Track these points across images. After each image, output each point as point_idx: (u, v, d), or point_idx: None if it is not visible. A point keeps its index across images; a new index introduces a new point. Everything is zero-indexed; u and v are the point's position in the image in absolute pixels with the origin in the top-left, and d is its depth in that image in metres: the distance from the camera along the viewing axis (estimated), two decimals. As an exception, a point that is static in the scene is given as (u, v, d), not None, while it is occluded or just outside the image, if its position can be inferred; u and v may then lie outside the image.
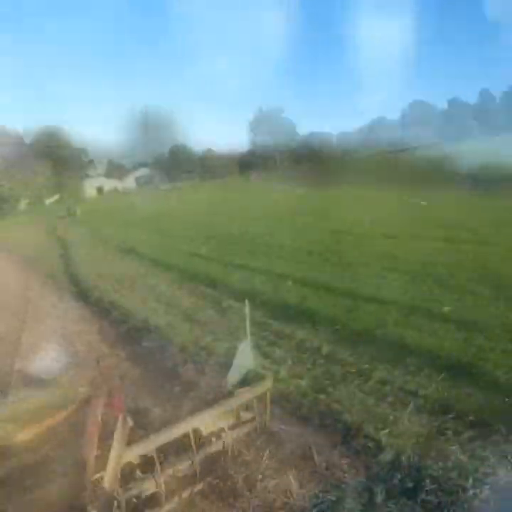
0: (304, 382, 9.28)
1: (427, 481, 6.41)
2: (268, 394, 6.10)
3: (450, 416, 7.57)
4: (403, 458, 6.77)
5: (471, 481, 6.30)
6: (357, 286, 15.65)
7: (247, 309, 7.24)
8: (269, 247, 23.43)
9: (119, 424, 5.27)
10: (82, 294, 18.02)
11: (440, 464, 6.75)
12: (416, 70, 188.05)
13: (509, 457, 6.47)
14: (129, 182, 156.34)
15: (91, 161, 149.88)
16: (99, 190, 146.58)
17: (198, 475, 5.57)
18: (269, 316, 12.73)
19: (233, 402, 5.89)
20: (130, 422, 5.52)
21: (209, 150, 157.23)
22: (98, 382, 5.29)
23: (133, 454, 5.13)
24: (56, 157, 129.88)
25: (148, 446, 5.19)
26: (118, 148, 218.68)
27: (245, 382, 6.12)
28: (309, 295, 14.24)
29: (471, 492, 6.10)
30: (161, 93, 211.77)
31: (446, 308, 12.85)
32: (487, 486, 6.10)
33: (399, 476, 6.48)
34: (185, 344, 11.63)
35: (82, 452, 4.27)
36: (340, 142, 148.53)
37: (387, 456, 6.91)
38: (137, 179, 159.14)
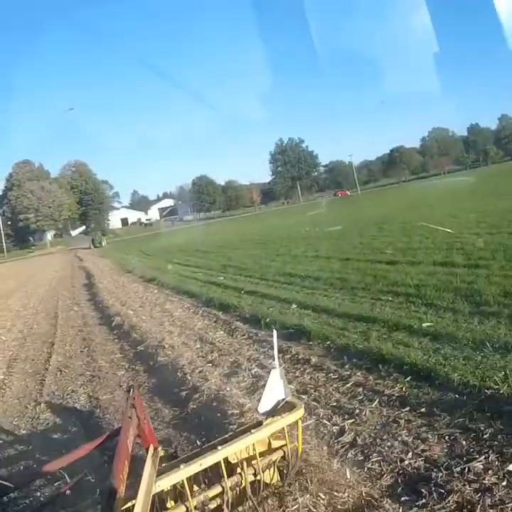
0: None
1: (375, 454, 6.54)
2: (299, 422, 5.63)
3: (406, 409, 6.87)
4: (359, 439, 6.76)
5: (410, 455, 6.39)
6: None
7: (274, 337, 6.44)
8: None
9: (150, 454, 4.98)
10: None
11: (389, 443, 6.71)
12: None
13: (446, 438, 6.65)
14: (153, 213, 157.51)
15: (116, 193, 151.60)
16: (124, 221, 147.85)
17: (229, 504, 5.18)
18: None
19: (265, 432, 5.39)
20: (161, 452, 5.32)
21: (231, 181, 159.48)
22: (129, 412, 4.90)
23: (163, 484, 4.72)
24: (81, 190, 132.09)
25: (179, 476, 4.77)
26: (142, 179, 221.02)
27: (276, 410, 5.59)
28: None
29: (407, 462, 5.76)
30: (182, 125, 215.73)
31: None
32: (422, 459, 6.35)
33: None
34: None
35: (111, 482, 3.92)
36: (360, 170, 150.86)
37: (346, 438, 7.30)
38: (161, 210, 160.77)
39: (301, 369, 9.38)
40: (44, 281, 38.08)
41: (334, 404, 7.85)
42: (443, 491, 5.47)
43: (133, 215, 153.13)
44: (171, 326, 14.00)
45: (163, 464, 5.20)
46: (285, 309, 13.19)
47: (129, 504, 4.19)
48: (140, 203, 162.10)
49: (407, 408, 7.30)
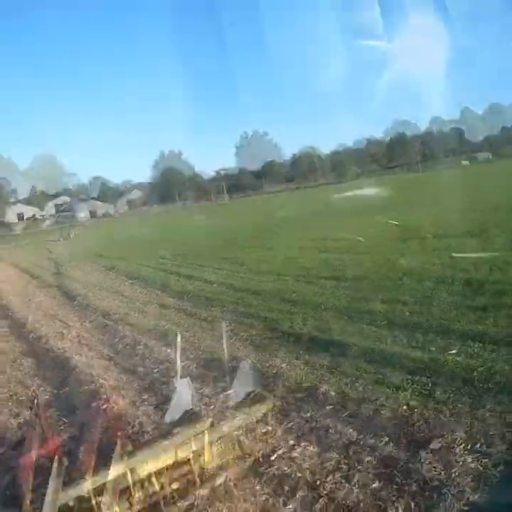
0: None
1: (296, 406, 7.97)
2: (207, 434, 5.58)
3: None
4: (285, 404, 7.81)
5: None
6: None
7: (178, 342, 6.59)
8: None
9: (55, 465, 4.82)
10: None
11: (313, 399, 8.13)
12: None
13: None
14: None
15: (13, 189, 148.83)
16: (20, 216, 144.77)
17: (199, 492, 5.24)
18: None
19: (171, 442, 5.37)
20: (65, 462, 5.06)
21: (198, 173, 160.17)
22: (32, 421, 4.94)
23: (69, 496, 4.63)
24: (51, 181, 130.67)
25: (84, 487, 4.71)
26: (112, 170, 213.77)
27: (184, 421, 5.69)
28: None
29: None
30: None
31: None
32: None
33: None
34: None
35: (16, 494, 3.97)
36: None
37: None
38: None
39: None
40: None
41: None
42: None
43: (28, 211, 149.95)
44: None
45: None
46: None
47: None
48: (36, 198, 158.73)
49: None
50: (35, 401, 5.26)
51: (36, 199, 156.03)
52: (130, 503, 4.97)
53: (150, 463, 5.10)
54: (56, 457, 4.80)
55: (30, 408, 5.25)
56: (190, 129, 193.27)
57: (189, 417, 5.69)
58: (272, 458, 5.97)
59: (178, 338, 6.57)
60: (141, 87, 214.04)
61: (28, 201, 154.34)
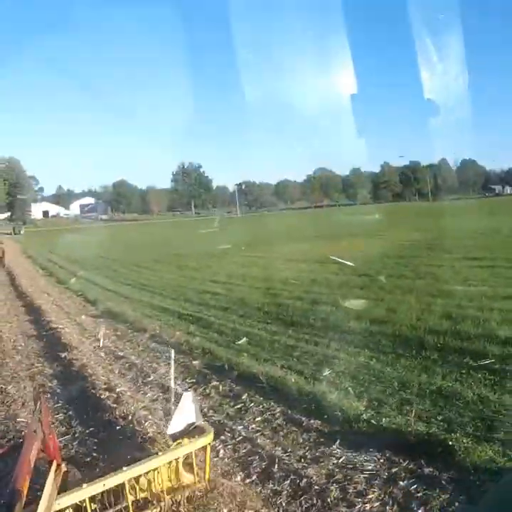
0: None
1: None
2: (208, 448, 5.29)
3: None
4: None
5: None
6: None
7: (172, 355, 6.60)
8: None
9: (52, 470, 4.66)
10: None
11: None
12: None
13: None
14: (74, 208, 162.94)
15: (41, 188, 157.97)
16: (45, 213, 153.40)
17: None
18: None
19: (172, 455, 5.09)
20: (64, 468, 4.95)
21: (151, 187, 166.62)
22: (34, 425, 4.44)
23: (64, 502, 4.34)
24: (11, 182, 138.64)
25: (80, 495, 4.44)
26: (69, 175, 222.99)
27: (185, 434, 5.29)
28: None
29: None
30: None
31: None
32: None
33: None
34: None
35: (10, 497, 3.57)
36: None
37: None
38: (81, 207, 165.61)
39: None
40: None
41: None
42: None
43: (53, 209, 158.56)
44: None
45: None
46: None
47: None
48: (63, 197, 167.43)
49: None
50: (38, 404, 4.75)
51: (62, 198, 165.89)
52: None
53: (149, 475, 4.93)
54: (54, 462, 4.73)
55: (33, 411, 4.77)
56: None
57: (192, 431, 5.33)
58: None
59: (173, 354, 6.40)
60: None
61: (54, 200, 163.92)
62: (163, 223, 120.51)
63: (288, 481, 5.35)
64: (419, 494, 4.95)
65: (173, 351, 6.82)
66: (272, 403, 7.50)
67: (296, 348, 10.11)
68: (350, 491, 5.08)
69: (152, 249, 40.62)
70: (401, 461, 5.54)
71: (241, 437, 6.48)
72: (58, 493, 4.44)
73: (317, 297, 14.84)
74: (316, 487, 5.18)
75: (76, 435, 7.06)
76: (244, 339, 10.96)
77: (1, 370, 10.38)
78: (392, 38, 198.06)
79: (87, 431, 7.11)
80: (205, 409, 7.38)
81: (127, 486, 4.74)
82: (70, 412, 7.90)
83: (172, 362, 6.41)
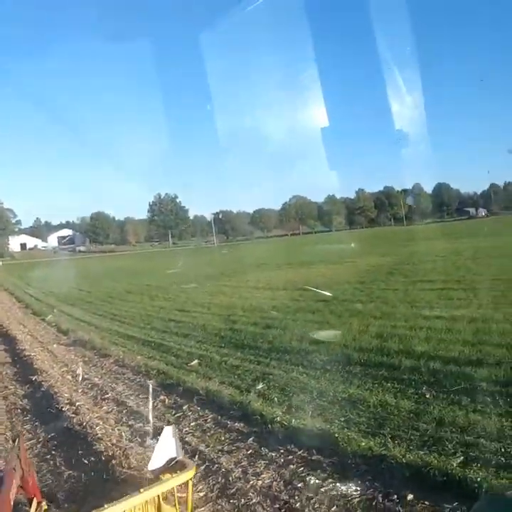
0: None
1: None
2: (190, 483, 5.16)
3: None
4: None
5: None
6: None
7: (150, 390, 6.80)
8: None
9: (33, 508, 4.61)
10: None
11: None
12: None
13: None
14: (52, 240, 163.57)
15: (18, 221, 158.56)
16: (23, 246, 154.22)
17: None
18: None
19: (154, 491, 4.87)
20: (44, 506, 4.87)
21: (128, 218, 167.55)
22: (13, 462, 4.38)
23: None
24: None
25: None
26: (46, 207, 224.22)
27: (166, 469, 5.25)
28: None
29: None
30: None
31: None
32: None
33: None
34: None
35: None
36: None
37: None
38: (59, 239, 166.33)
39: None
40: None
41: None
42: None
43: (31, 241, 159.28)
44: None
45: None
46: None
47: None
48: (40, 229, 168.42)
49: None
50: (17, 441, 4.72)
51: (39, 230, 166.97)
52: None
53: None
54: (34, 499, 4.70)
55: (11, 448, 4.79)
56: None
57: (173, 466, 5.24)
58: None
59: (151, 387, 6.38)
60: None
61: (31, 232, 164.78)
62: (139, 254, 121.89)
63: (203, 467, 6.71)
64: (302, 474, 6.30)
65: (150, 386, 7.64)
66: (207, 411, 8.86)
67: (239, 367, 11.44)
68: (250, 472, 6.45)
69: (126, 280, 41.95)
70: (297, 451, 6.93)
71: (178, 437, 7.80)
72: None
73: (270, 322, 16.13)
74: (223, 470, 6.54)
75: (40, 439, 8.40)
76: (196, 361, 12.28)
77: (-23, 392, 11.59)
78: (361, 71, 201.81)
79: (49, 436, 8.49)
80: (153, 420, 8.45)
81: None
82: (36, 422, 9.26)
83: (150, 396, 6.50)
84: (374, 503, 5.50)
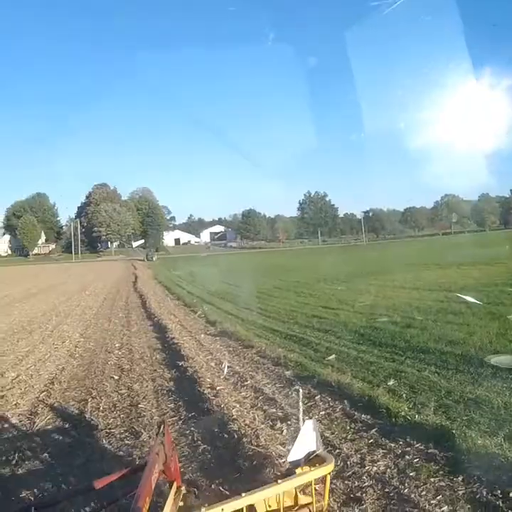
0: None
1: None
2: (328, 477, 5.02)
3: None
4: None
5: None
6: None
7: (300, 395, 6.34)
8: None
9: (172, 492, 4.72)
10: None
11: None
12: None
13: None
14: (204, 236, 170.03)
15: (173, 217, 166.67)
16: (177, 241, 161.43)
17: None
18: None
19: (292, 483, 4.77)
20: (184, 490, 4.99)
21: (278, 216, 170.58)
22: (157, 448, 4.49)
23: None
24: (144, 212, 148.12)
25: None
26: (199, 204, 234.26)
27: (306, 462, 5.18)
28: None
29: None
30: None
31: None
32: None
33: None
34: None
35: None
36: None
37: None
38: (211, 235, 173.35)
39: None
40: (112, 277, 55.41)
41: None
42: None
43: (185, 237, 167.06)
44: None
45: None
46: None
47: None
48: (194, 225, 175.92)
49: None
50: (162, 427, 4.75)
51: (192, 226, 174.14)
52: None
53: (268, 502, 4.79)
54: (175, 484, 4.84)
55: (156, 434, 4.76)
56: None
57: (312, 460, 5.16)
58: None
59: (301, 393, 6.36)
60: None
61: (185, 228, 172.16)
62: (288, 251, 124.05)
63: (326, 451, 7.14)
64: (416, 465, 6.66)
65: (301, 391, 7.45)
66: (337, 402, 9.26)
67: (374, 363, 11.72)
68: (367, 459, 6.93)
69: (274, 276, 43.06)
70: (416, 444, 7.21)
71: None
72: None
73: (411, 322, 16.21)
74: (343, 455, 7.02)
75: (181, 417, 9.27)
76: (333, 356, 12.69)
77: (130, 374, 12.77)
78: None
79: (190, 415, 9.33)
80: (287, 407, 9.14)
81: None
82: (180, 403, 10.15)
83: (300, 402, 6.23)
84: (477, 497, 5.69)
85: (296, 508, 5.06)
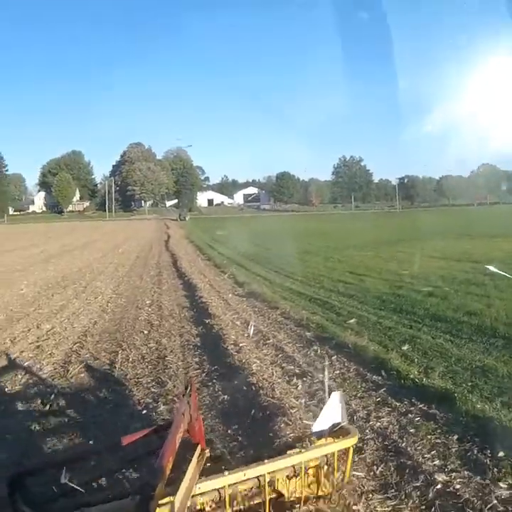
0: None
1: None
2: (351, 450, 5.18)
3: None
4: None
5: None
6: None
7: (326, 362, 7.27)
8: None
9: (196, 454, 4.82)
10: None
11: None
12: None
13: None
14: (238, 198, 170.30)
15: (206, 178, 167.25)
16: (210, 201, 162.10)
17: None
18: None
19: (315, 453, 4.98)
20: (207, 453, 5.09)
21: (313, 179, 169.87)
22: (183, 408, 4.58)
23: (204, 487, 4.42)
24: (178, 172, 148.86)
25: (221, 482, 4.44)
26: (233, 165, 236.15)
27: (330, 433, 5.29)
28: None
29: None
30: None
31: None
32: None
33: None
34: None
35: (154, 476, 3.70)
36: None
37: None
38: (245, 196, 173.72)
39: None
40: (145, 236, 57.59)
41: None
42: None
43: (218, 198, 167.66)
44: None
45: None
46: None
47: (167, 500, 4.03)
48: (227, 186, 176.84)
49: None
50: (189, 388, 4.86)
51: (226, 187, 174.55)
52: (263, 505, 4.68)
53: (288, 470, 4.84)
54: (199, 447, 4.93)
55: (182, 395, 4.84)
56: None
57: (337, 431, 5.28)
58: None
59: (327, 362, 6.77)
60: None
61: (218, 189, 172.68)
62: (321, 215, 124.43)
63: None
64: (417, 423, 7.20)
65: (327, 364, 8.46)
66: (352, 363, 9.81)
67: (391, 328, 12.24)
68: (372, 415, 7.51)
69: (306, 240, 43.68)
70: (420, 404, 7.76)
71: (319, 381, 8.75)
72: (199, 477, 4.59)
73: (433, 291, 16.63)
74: (350, 410, 7.50)
75: (205, 370, 9.96)
76: (354, 319, 13.21)
77: (158, 329, 13.45)
78: None
79: (213, 368, 10.01)
80: (304, 365, 9.75)
81: (266, 480, 4.70)
82: (204, 357, 10.82)
83: (326, 372, 7.11)
84: (468, 454, 6.20)
85: (319, 475, 5.19)
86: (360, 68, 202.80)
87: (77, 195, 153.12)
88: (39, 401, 8.63)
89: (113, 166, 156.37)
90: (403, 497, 5.31)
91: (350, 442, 5.17)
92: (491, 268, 19.42)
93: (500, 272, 18.57)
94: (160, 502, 3.82)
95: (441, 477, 5.62)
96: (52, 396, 8.71)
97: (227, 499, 4.52)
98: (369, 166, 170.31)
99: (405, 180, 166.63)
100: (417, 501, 5.25)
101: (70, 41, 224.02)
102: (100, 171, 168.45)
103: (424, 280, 19.13)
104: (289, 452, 4.98)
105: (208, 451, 5.14)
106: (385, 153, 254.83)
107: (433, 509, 5.09)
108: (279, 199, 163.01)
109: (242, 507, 4.78)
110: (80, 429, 7.50)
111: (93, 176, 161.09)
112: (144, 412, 8.01)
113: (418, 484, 5.51)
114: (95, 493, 5.23)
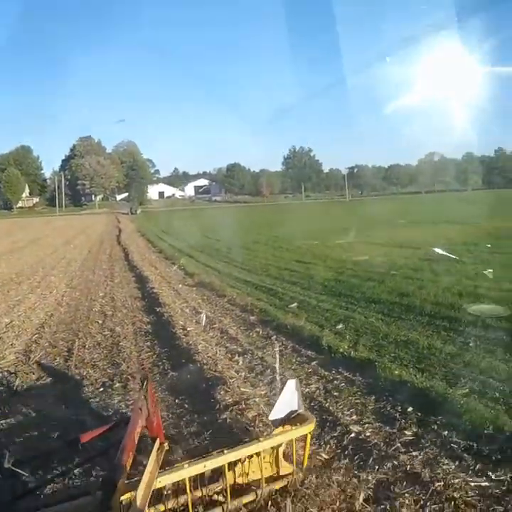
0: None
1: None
2: (309, 436, 5.34)
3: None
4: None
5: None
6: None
7: (277, 351, 7.97)
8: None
9: (155, 448, 4.84)
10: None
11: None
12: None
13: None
14: (189, 190, 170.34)
15: (157, 170, 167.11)
16: (161, 194, 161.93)
17: (228, 506, 4.87)
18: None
19: (273, 441, 5.16)
20: (166, 446, 5.15)
21: (263, 170, 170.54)
22: (140, 403, 4.63)
23: (165, 480, 4.53)
24: (128, 165, 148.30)
25: (181, 474, 4.56)
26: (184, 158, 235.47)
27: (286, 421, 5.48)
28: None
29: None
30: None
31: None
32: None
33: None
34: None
35: (114, 472, 3.74)
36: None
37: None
38: (196, 188, 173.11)
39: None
40: (96, 231, 57.72)
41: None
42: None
43: (169, 190, 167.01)
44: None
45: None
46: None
47: (128, 495, 4.05)
48: (178, 178, 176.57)
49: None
50: (145, 383, 4.81)
51: (177, 179, 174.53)
52: (223, 492, 4.89)
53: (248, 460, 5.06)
54: (157, 440, 4.94)
55: (139, 389, 4.89)
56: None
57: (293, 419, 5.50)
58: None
59: (277, 348, 7.61)
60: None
61: (169, 181, 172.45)
62: (271, 206, 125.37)
63: (270, 377, 8.78)
64: (341, 388, 8.32)
65: (278, 347, 9.62)
66: (289, 341, 10.92)
67: (329, 310, 13.30)
68: (303, 383, 8.61)
69: (255, 230, 44.80)
70: (345, 373, 8.89)
71: (258, 357, 9.92)
72: (159, 471, 4.63)
73: (371, 276, 17.77)
74: (283, 379, 8.25)
75: (156, 352, 10.98)
76: (295, 304, 14.22)
77: (112, 318, 14.33)
78: None
79: (163, 350, 11.05)
80: (246, 345, 10.81)
81: (226, 469, 4.89)
82: (155, 341, 11.80)
83: (277, 355, 8.42)
84: (381, 411, 7.32)
85: (278, 474, 5.45)
86: (308, 58, 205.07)
87: (27, 191, 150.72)
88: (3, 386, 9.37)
89: (62, 161, 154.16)
90: (322, 443, 6.40)
91: (308, 429, 5.42)
92: (438, 250, 21.16)
93: (446, 254, 20.01)
94: (121, 497, 3.91)
95: (355, 428, 6.74)
96: (17, 379, 9.53)
97: (187, 488, 4.70)
98: (318, 156, 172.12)
99: (355, 170, 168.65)
100: (334, 447, 6.35)
101: (13, 32, 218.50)
102: (50, 166, 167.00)
103: (367, 266, 20.29)
104: (247, 441, 5.27)
105: (166, 444, 5.21)
106: (334, 143, 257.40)
107: (346, 452, 6.19)
108: (230, 190, 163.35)
109: (202, 493, 4.99)
110: (46, 404, 8.36)
111: (42, 171, 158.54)
112: (101, 389, 8.94)
113: (336, 434, 6.63)
114: (56, 492, 5.44)
